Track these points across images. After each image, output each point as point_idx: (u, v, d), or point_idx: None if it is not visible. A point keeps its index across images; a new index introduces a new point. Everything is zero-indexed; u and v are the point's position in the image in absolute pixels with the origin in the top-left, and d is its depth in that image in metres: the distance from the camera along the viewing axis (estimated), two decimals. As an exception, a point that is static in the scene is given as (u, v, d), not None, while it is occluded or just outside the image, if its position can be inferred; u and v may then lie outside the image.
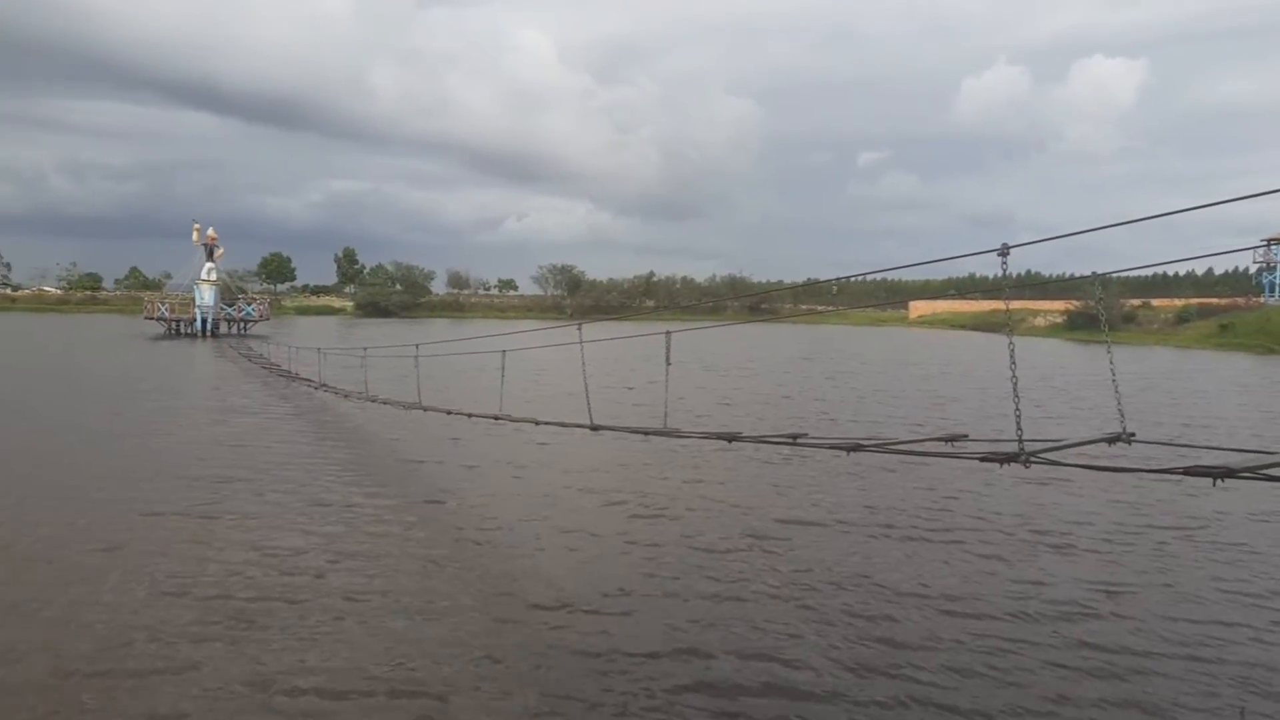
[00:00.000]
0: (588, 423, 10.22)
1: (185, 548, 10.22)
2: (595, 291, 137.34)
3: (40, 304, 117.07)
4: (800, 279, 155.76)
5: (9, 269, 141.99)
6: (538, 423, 11.86)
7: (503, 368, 13.78)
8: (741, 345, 57.80)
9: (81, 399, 23.63)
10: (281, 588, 8.96)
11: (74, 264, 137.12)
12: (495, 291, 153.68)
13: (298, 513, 11.92)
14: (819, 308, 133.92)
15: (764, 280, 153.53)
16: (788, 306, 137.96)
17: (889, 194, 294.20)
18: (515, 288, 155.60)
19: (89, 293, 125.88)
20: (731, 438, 8.04)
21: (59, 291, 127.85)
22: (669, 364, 9.21)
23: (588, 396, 11.00)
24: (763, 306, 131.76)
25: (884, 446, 6.74)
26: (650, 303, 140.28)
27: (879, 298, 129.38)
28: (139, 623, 8.02)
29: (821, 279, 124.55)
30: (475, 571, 9.61)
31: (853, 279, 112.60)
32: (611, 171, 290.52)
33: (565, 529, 11.22)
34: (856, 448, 6.65)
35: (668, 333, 9.20)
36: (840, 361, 43.81)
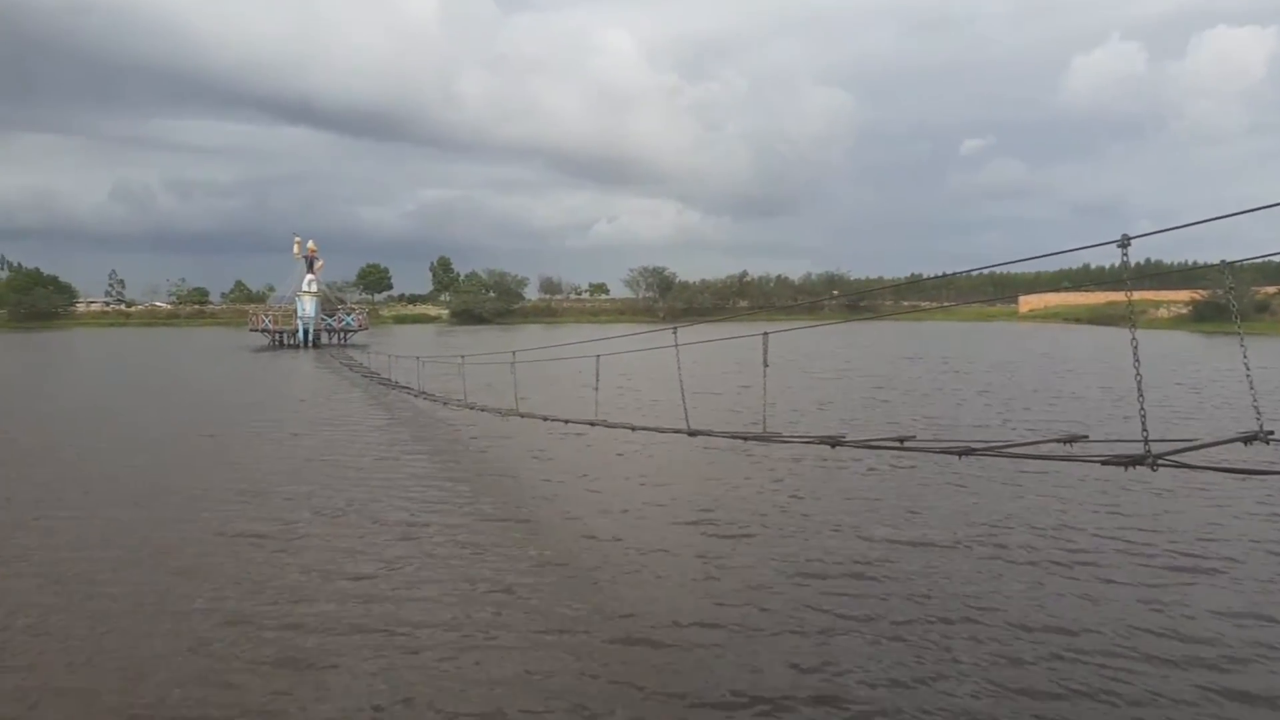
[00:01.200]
0: (684, 428, 10.22)
1: (264, 569, 10.65)
2: (687, 293, 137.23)
3: (153, 318, 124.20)
4: (898, 275, 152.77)
5: (123, 286, 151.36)
6: (634, 428, 11.89)
7: (597, 373, 13.91)
8: (841, 345, 56.84)
9: (190, 410, 24.94)
10: (363, 615, 8.95)
11: (183, 280, 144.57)
12: (587, 295, 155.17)
13: (389, 530, 12.24)
14: (922, 304, 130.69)
15: (861, 278, 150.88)
16: (888, 304, 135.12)
17: (993, 182, 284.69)
18: (607, 291, 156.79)
19: (197, 306, 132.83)
20: (834, 442, 7.90)
21: (169, 306, 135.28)
22: (766, 366, 9.13)
23: (684, 401, 11.00)
24: (862, 304, 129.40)
25: (997, 450, 6.55)
26: (744, 303, 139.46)
27: (986, 292, 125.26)
28: (216, 651, 8.02)
29: (926, 275, 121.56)
30: (560, 599, 9.53)
31: (959, 275, 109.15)
32: (700, 170, 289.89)
33: (657, 548, 10.96)
34: (967, 451, 6.48)
35: (765, 334, 9.12)
36: (946, 360, 42.63)
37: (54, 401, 27.82)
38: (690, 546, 11.02)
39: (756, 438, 9.40)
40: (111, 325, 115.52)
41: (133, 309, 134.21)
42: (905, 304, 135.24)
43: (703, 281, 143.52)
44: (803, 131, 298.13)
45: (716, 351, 43.71)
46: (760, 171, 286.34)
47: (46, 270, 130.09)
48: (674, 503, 13.16)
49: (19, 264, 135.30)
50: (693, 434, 10.16)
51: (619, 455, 17.03)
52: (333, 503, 13.32)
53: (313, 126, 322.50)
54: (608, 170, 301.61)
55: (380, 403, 27.36)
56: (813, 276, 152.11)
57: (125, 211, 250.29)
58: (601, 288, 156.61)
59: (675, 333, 10.04)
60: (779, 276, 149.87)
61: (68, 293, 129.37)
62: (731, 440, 12.66)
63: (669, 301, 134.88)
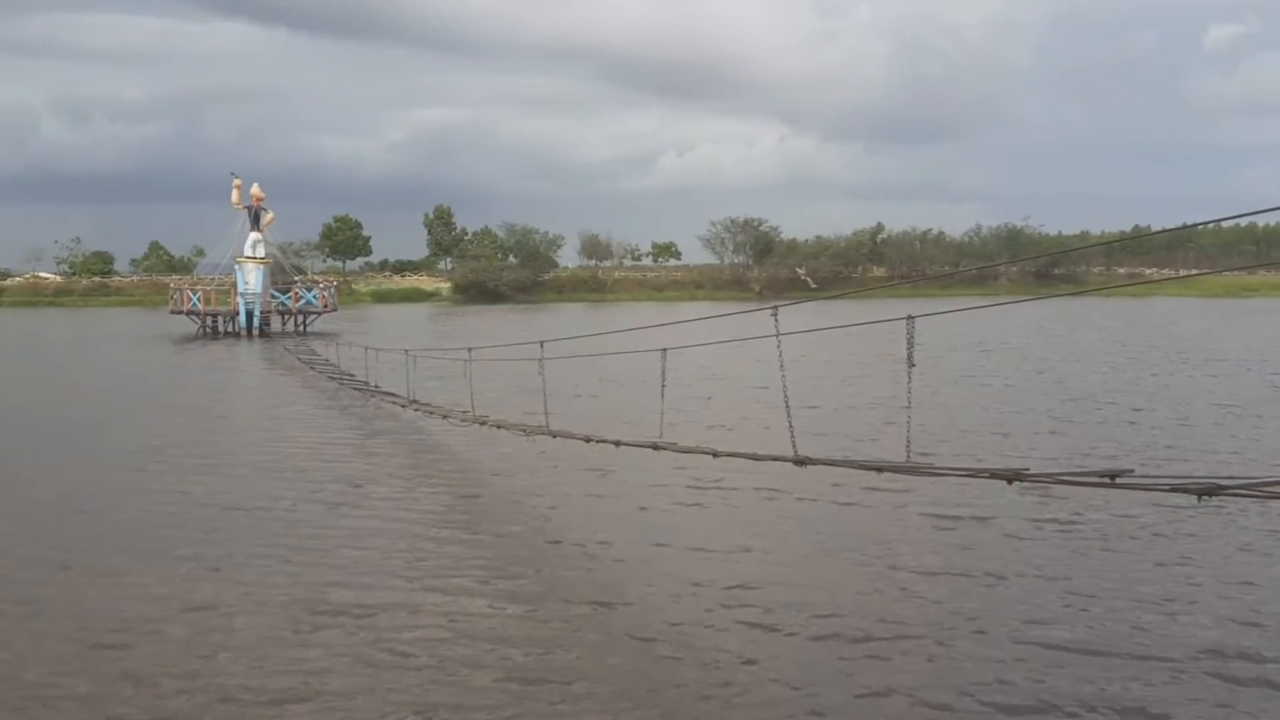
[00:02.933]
0: (790, 454, 10.23)
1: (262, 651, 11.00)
2: (795, 257, 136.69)
3: (35, 295, 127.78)
4: (1111, 229, 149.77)
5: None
6: (716, 454, 11.95)
7: (662, 372, 13.92)
8: (1024, 331, 56.14)
9: (80, 447, 25.71)
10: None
11: (77, 240, 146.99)
12: (648, 261, 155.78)
13: (378, 612, 12.57)
14: (1146, 271, 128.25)
15: (1055, 232, 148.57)
16: (1096, 271, 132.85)
17: (1255, 90, 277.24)
18: (677, 255, 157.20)
19: (98, 279, 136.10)
20: (1012, 476, 7.85)
21: (59, 278, 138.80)
22: (912, 365, 9.09)
23: (789, 415, 10.93)
24: (1055, 272, 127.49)
25: (1256, 488, 6.45)
26: (879, 271, 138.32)
27: (1246, 254, 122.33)
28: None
29: (1154, 228, 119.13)
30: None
31: (1203, 226, 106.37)
32: (815, 77, 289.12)
33: (757, 640, 11.13)
34: (1213, 490, 6.39)
35: (909, 317, 9.07)
36: (1183, 354, 41.81)
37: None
38: (805, 646, 10.97)
39: (897, 469, 9.38)
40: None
41: (8, 281, 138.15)
42: (1122, 271, 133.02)
43: (818, 240, 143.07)
44: (969, 18, 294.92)
45: (838, 342, 43.46)
46: (905, 78, 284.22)
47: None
48: (779, 586, 12.81)
49: None
50: (802, 463, 10.13)
51: (694, 499, 17.10)
52: (317, 564, 13.68)
53: (255, 20, 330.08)
54: (679, 79, 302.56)
55: (357, 416, 27.88)
56: (982, 231, 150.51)
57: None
58: (669, 249, 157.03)
59: (776, 315, 10.02)
60: (930, 232, 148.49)
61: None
62: (858, 473, 12.63)
63: (768, 269, 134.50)
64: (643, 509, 16.26)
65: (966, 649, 10.16)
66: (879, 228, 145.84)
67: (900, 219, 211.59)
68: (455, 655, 10.20)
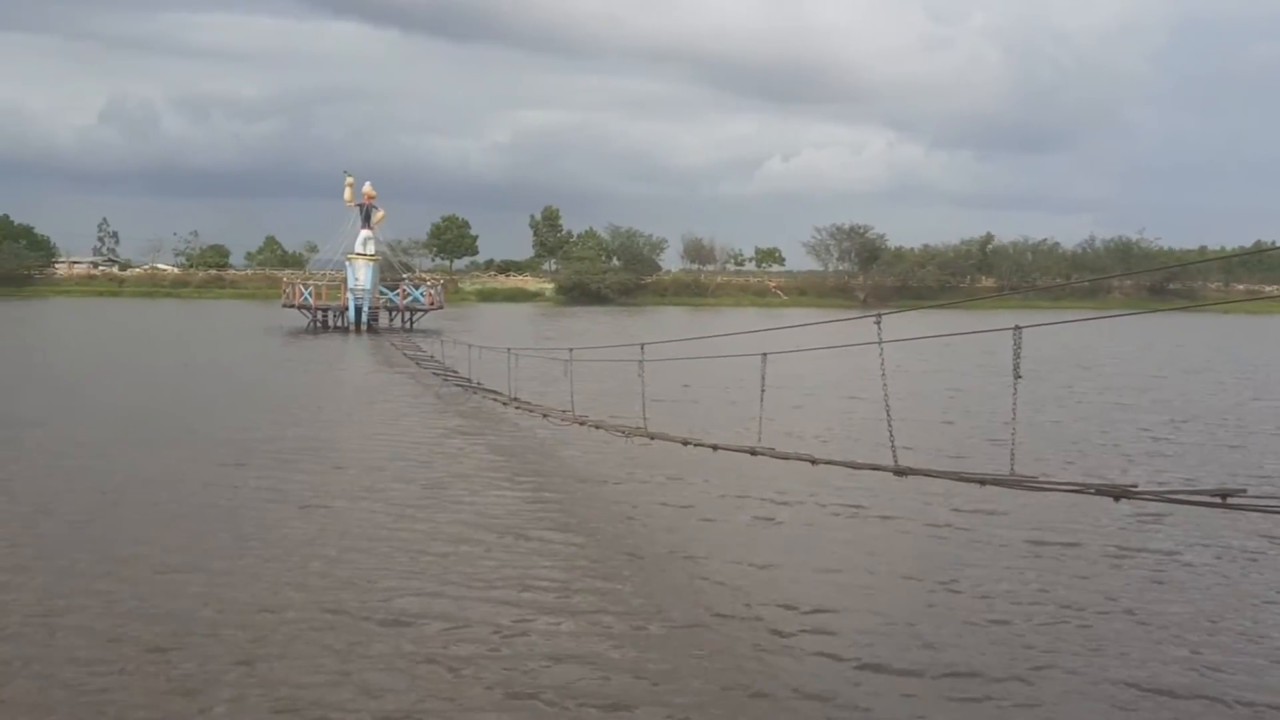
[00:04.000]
0: (890, 463, 10.14)
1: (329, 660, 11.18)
2: (901, 265, 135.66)
3: (154, 286, 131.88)
4: (1230, 243, 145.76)
5: (116, 240, 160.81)
6: (815, 461, 11.87)
7: (762, 377, 13.88)
8: (1135, 346, 54.96)
9: (184, 436, 26.38)
10: None
11: (194, 233, 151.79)
12: (751, 266, 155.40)
13: (475, 605, 12.68)
14: (1267, 289, 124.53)
15: (1172, 247, 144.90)
16: (1214, 287, 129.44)
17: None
18: (780, 260, 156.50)
19: (213, 271, 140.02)
20: (1120, 493, 7.70)
21: (177, 270, 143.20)
22: (1018, 376, 8.95)
23: (890, 424, 10.84)
24: (1171, 286, 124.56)
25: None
26: (988, 281, 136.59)
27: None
28: None
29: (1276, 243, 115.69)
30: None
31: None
32: (926, 83, 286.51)
33: (842, 672, 10.96)
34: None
35: (1016, 328, 8.98)
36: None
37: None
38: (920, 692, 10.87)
39: (998, 481, 9.24)
40: (100, 294, 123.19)
41: (128, 272, 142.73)
42: (1240, 288, 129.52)
43: (925, 249, 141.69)
44: (1086, 24, 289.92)
45: (942, 352, 42.97)
46: (1018, 85, 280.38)
47: (17, 219, 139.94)
48: (869, 611, 12.32)
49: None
50: (902, 473, 10.06)
51: (790, 507, 16.98)
52: (409, 570, 13.88)
53: (367, 20, 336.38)
54: (786, 83, 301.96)
55: (455, 413, 28.23)
56: (1096, 243, 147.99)
57: (119, 139, 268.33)
58: (772, 255, 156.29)
59: (879, 323, 9.96)
60: (1043, 243, 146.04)
61: (44, 249, 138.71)
62: (959, 485, 12.44)
63: (874, 277, 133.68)
64: (738, 516, 16.18)
65: (1059, 692, 9.92)
66: (988, 237, 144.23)
67: (1009, 229, 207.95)
68: (532, 664, 10.19)
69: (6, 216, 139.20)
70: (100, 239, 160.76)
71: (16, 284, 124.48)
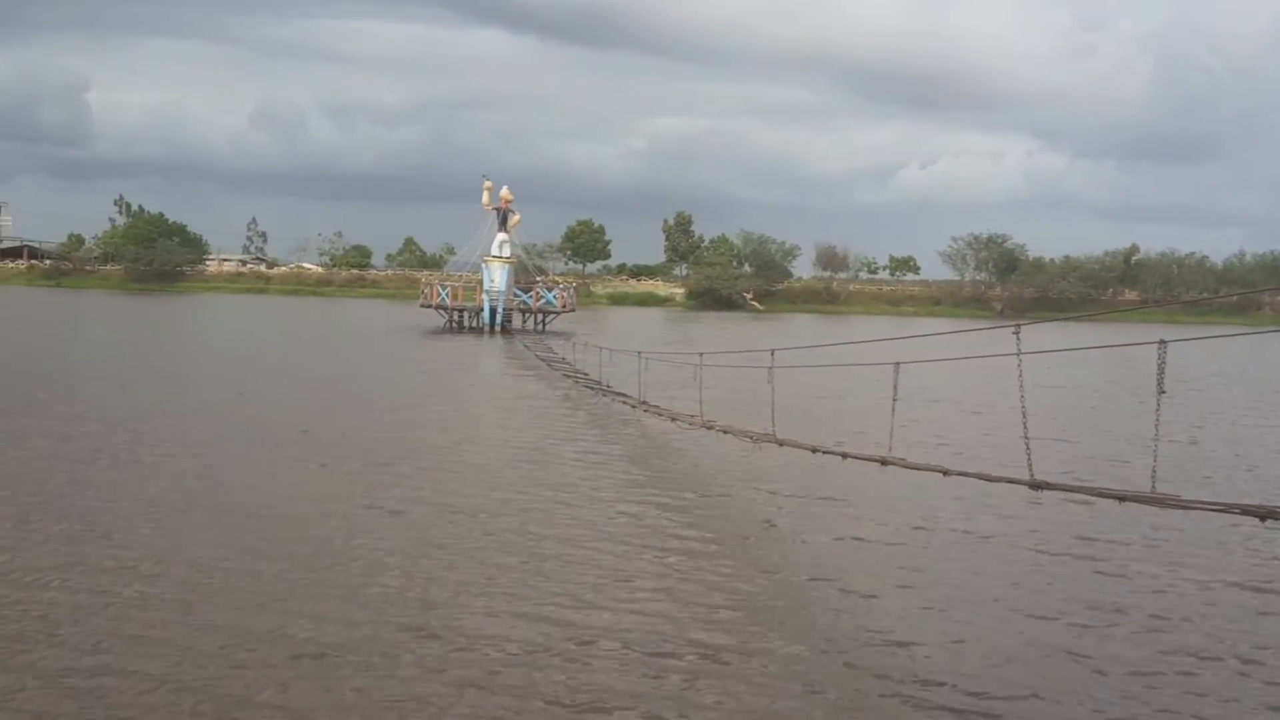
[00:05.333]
0: (1026, 477, 9.95)
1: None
2: (1041, 277, 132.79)
3: (299, 284, 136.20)
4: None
5: (264, 240, 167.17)
6: (947, 473, 11.72)
7: (894, 387, 13.71)
8: (1286, 366, 52.83)
9: (323, 433, 27.05)
10: None
11: (338, 234, 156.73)
12: (885, 275, 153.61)
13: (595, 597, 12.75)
14: None
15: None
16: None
17: None
18: (915, 269, 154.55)
19: (355, 271, 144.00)
20: (1266, 514, 7.45)
21: (321, 269, 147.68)
22: (1162, 391, 8.71)
23: (1026, 436, 10.62)
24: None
25: None
26: (1131, 294, 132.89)
27: None
28: None
29: None
30: None
31: None
32: (1070, 91, 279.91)
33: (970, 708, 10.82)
34: None
35: (1161, 342, 8.74)
36: None
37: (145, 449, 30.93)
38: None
39: (1140, 499, 8.99)
40: (248, 291, 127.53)
41: (274, 270, 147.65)
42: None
43: (1066, 260, 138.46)
44: (1240, 31, 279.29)
45: (1082, 366, 41.90)
46: (1166, 94, 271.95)
47: (172, 217, 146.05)
48: (999, 635, 12.05)
49: (139, 207, 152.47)
50: (1037, 486, 9.87)
51: (919, 518, 16.74)
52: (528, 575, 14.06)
53: (508, 28, 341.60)
54: (925, 90, 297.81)
55: (585, 414, 28.50)
56: (1246, 257, 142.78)
57: (269, 142, 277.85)
58: (907, 263, 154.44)
59: (1018, 334, 9.79)
60: (1190, 256, 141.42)
61: (196, 247, 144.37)
62: (1098, 500, 12.13)
63: (1012, 287, 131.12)
64: (865, 526, 15.95)
65: None
66: (1133, 249, 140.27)
67: (1154, 241, 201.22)
68: (661, 674, 10.24)
69: (162, 215, 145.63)
70: (249, 238, 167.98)
71: (170, 280, 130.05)
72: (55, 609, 11.10)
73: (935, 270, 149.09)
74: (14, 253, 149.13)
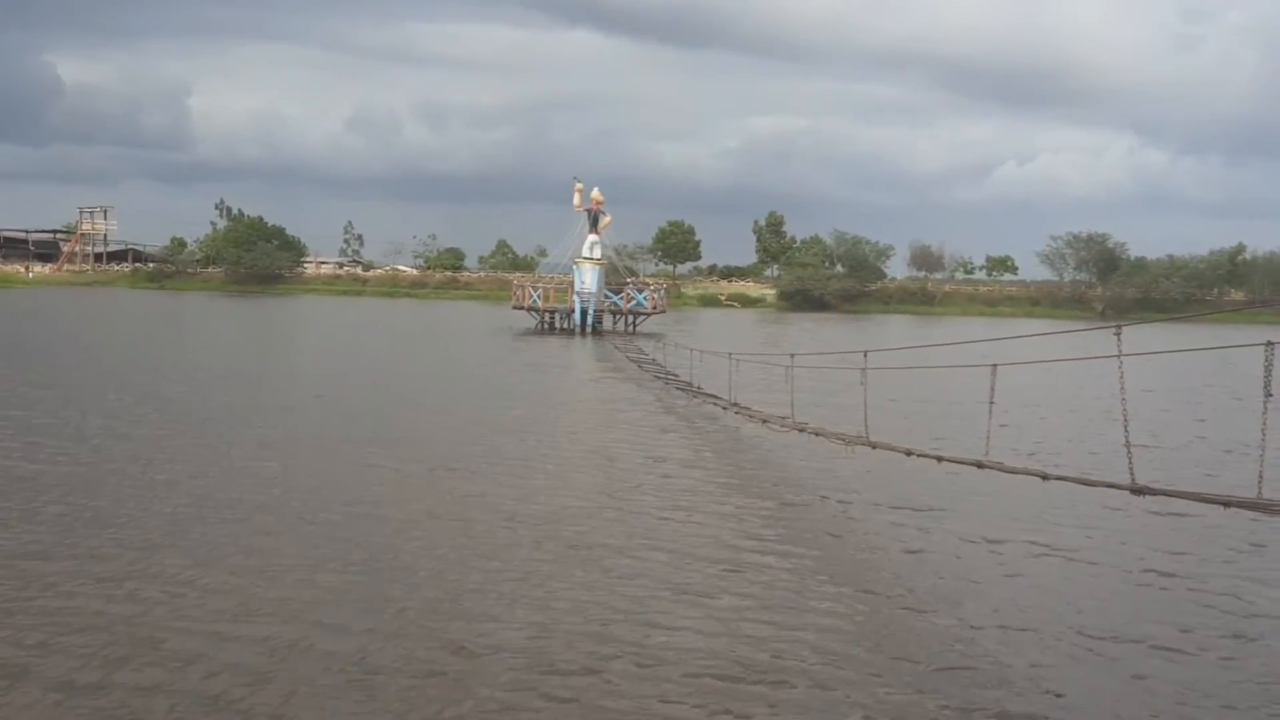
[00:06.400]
0: (1126, 481, 9.77)
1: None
2: (1143, 276, 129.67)
3: (394, 286, 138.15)
4: None
5: (361, 242, 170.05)
6: (1045, 477, 11.56)
7: (991, 389, 13.52)
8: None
9: (409, 433, 27.37)
10: None
11: (433, 236, 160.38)
12: (981, 275, 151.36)
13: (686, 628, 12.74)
14: None
15: None
16: None
17: None
18: (1013, 269, 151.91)
19: (449, 273, 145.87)
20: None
21: (415, 271, 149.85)
22: (1269, 395, 8.47)
23: (1127, 439, 10.40)
24: None
25: None
26: (1237, 294, 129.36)
27: None
28: None
29: None
30: None
31: None
32: (1173, 85, 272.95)
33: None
34: None
35: (1269, 343, 8.54)
36: None
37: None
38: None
39: (1246, 505, 8.76)
40: (344, 293, 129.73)
41: (370, 273, 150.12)
42: None
43: (1169, 259, 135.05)
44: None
45: (1186, 366, 40.88)
46: (1273, 87, 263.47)
47: (271, 220, 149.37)
48: (1096, 656, 12.07)
49: (239, 211, 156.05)
50: (1138, 491, 9.69)
51: (1017, 524, 16.47)
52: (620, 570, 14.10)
53: (601, 29, 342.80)
54: (1023, 86, 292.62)
55: (675, 416, 28.52)
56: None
57: (364, 146, 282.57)
58: (1004, 263, 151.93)
59: (1119, 335, 9.62)
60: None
61: (295, 249, 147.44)
62: (1200, 508, 11.86)
63: (1113, 287, 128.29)
64: (961, 533, 15.67)
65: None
66: (1239, 248, 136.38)
67: (1262, 239, 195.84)
68: (753, 685, 10.23)
69: (261, 218, 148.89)
70: (346, 241, 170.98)
71: (269, 282, 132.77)
72: (134, 616, 11.41)
73: (1033, 270, 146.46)
74: (119, 255, 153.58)
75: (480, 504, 16.68)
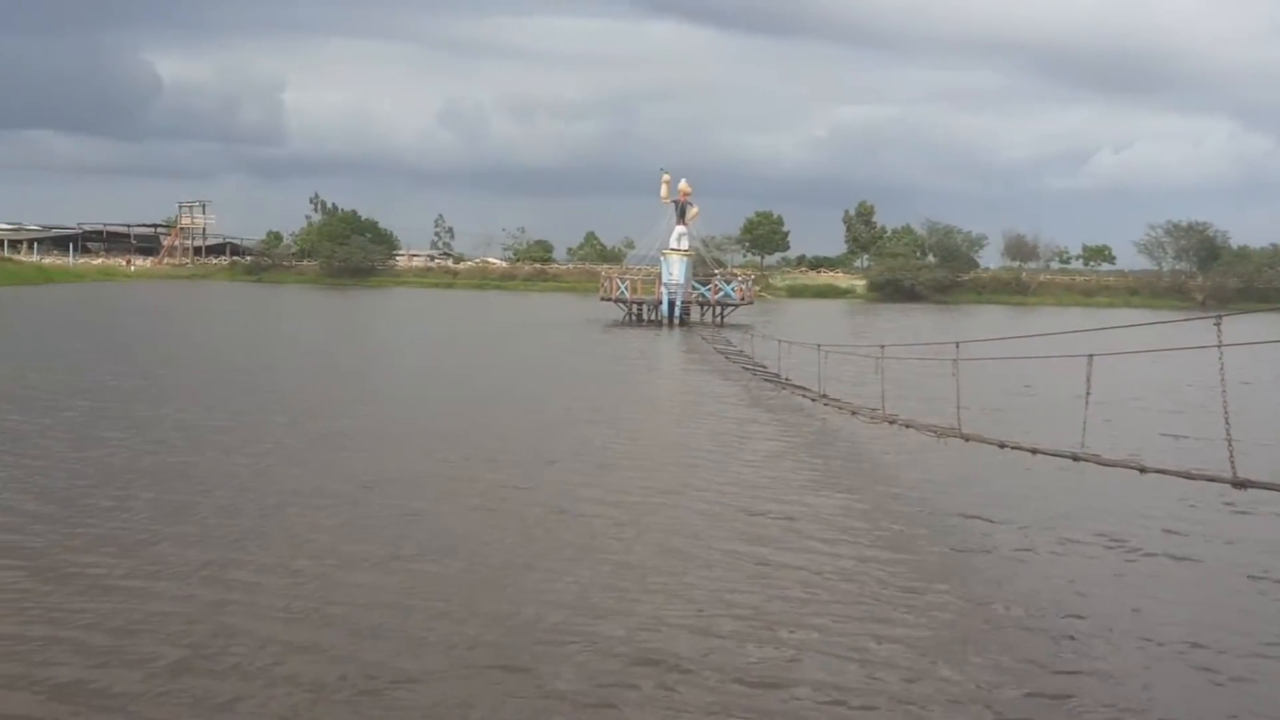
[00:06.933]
0: (1227, 474, 9.57)
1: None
2: (1245, 266, 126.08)
3: (484, 279, 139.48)
4: None
5: (451, 235, 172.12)
6: (1144, 470, 11.35)
7: (1087, 380, 13.27)
8: None
9: (495, 430, 27.62)
10: None
11: (521, 229, 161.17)
12: (1078, 265, 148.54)
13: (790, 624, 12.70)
14: None
15: None
16: None
17: None
18: (1110, 259, 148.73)
19: (538, 265, 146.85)
20: None
21: (504, 264, 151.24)
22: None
23: (1228, 431, 10.16)
24: None
25: None
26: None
27: None
28: None
29: None
30: None
31: None
32: (1276, 69, 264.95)
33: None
34: None
35: (1378, 334, 8.27)
36: None
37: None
38: None
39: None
40: (435, 285, 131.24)
41: (461, 265, 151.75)
42: None
43: (1274, 248, 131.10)
44: None
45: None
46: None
47: (364, 214, 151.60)
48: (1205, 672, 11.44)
49: (333, 205, 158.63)
50: (1240, 485, 9.50)
51: (1113, 519, 16.16)
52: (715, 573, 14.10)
53: (686, 19, 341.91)
54: (1119, 73, 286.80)
55: (763, 408, 28.46)
56: None
57: (453, 140, 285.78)
58: (1102, 253, 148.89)
59: (1219, 326, 9.42)
60: None
61: (387, 242, 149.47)
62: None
63: (1214, 277, 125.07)
64: (1057, 530, 15.40)
65: None
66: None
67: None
68: (851, 689, 10.17)
69: (355, 212, 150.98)
70: (437, 234, 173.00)
71: (362, 275, 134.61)
72: (222, 611, 11.68)
73: (1131, 260, 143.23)
74: (218, 249, 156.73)
75: (571, 496, 16.82)
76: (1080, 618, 11.52)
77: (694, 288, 71.31)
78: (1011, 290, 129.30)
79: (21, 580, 11.77)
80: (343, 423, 23.44)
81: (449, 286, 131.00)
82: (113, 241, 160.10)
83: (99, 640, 10.11)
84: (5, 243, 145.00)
